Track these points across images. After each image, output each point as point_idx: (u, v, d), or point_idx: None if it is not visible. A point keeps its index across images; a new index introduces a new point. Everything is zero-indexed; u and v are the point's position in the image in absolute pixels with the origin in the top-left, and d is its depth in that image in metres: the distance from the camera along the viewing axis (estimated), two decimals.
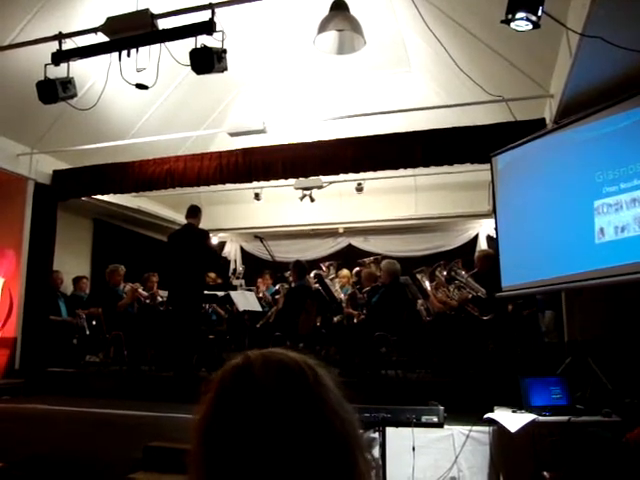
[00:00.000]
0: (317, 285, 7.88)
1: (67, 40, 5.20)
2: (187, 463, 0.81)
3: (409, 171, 7.69)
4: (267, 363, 0.84)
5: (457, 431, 4.32)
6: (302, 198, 9.76)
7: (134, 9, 5.14)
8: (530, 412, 4.10)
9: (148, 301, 8.01)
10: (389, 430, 3.90)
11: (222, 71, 4.92)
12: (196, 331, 6.63)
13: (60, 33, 5.19)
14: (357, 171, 7.12)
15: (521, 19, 3.74)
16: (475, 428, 4.30)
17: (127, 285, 7.87)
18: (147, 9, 4.89)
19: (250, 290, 8.78)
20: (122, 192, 8.20)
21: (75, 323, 7.88)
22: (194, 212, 6.83)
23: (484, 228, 10.49)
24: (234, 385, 0.82)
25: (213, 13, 4.71)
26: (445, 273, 6.96)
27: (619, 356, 4.73)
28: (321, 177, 8.70)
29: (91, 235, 10.43)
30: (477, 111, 7.08)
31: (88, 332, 7.68)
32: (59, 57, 5.12)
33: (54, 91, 5.29)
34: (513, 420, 4.00)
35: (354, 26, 5.25)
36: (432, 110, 7.24)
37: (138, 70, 5.07)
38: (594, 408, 4.09)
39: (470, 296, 6.44)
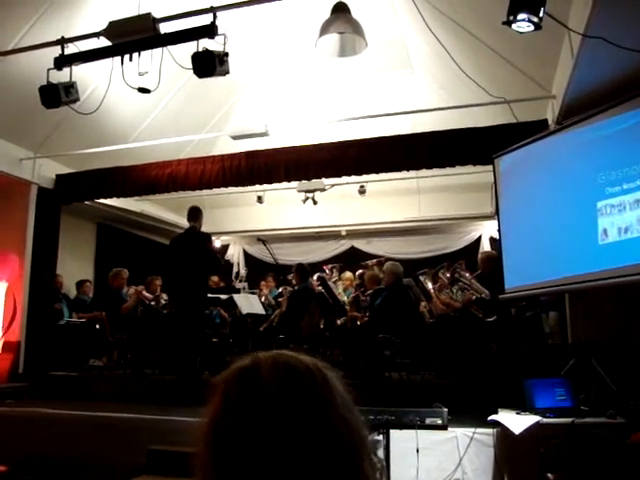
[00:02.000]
0: (320, 288, 7.88)
1: (69, 45, 5.20)
2: (193, 465, 0.81)
3: (412, 173, 7.70)
4: (275, 365, 0.83)
5: (461, 433, 4.31)
6: (305, 201, 9.76)
7: (136, 13, 5.15)
8: (534, 414, 4.09)
9: (153, 303, 8.01)
10: (393, 432, 3.90)
11: (224, 74, 4.92)
12: (200, 334, 6.63)
13: (62, 38, 5.20)
14: (360, 173, 7.12)
15: (523, 20, 3.74)
16: (479, 430, 4.29)
17: (131, 288, 7.88)
18: (149, 13, 4.90)
19: (253, 293, 8.79)
20: (125, 196, 8.20)
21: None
22: (195, 214, 6.80)
23: (487, 230, 10.48)
24: (241, 387, 0.82)
25: (215, 17, 4.72)
26: (448, 275, 6.95)
27: (623, 357, 4.72)
28: (324, 180, 8.71)
29: (94, 239, 10.46)
30: (479, 113, 7.07)
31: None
32: (61, 61, 5.13)
33: (57, 95, 5.30)
34: (517, 422, 4.00)
35: (355, 28, 5.26)
36: (434, 112, 7.24)
37: (140, 74, 5.07)
38: (598, 410, 4.08)
39: (474, 298, 6.44)
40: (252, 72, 8.59)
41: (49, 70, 5.20)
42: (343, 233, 11.45)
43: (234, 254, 12.31)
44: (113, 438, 4.87)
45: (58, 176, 7.98)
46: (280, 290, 9.06)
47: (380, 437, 3.84)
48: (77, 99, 5.49)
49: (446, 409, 3.96)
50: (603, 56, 4.09)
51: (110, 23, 4.97)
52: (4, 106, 6.60)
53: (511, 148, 5.57)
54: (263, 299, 8.89)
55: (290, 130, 8.27)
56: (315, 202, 9.74)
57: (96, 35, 5.07)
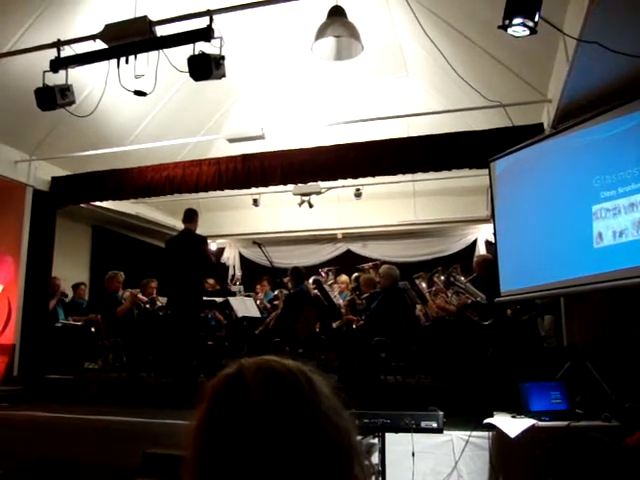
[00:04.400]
0: (316, 291, 7.87)
1: (65, 47, 5.21)
2: (181, 471, 0.81)
3: (408, 176, 7.71)
4: (260, 372, 0.83)
5: (456, 436, 4.31)
6: (301, 204, 9.77)
7: (132, 16, 5.16)
8: (529, 417, 4.09)
9: (148, 306, 8.00)
10: (388, 436, 3.89)
11: (220, 77, 4.93)
12: (195, 337, 6.61)
13: (58, 40, 5.20)
14: (356, 177, 7.13)
15: (518, 25, 3.75)
16: (474, 433, 4.29)
17: (126, 291, 7.87)
18: (145, 16, 4.90)
19: (249, 296, 8.77)
20: (121, 199, 8.20)
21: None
22: (190, 216, 6.77)
23: (483, 233, 10.51)
24: (227, 394, 0.82)
25: (211, 20, 4.72)
26: (443, 278, 6.96)
27: (618, 360, 4.73)
28: (319, 183, 8.71)
29: (90, 241, 10.44)
30: (475, 116, 7.10)
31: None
32: (57, 64, 5.12)
33: (52, 98, 5.29)
34: (512, 425, 4.00)
35: (351, 32, 5.26)
36: (430, 115, 7.25)
37: (136, 77, 5.08)
38: (593, 413, 4.09)
39: (469, 301, 6.44)
40: (248, 75, 8.60)
41: (45, 72, 5.19)
42: (339, 236, 11.46)
43: (230, 257, 12.31)
44: (108, 441, 4.85)
45: (54, 179, 7.97)
46: (276, 293, 9.04)
47: (375, 441, 3.83)
48: (73, 101, 5.49)
49: (442, 412, 3.95)
50: (598, 60, 4.11)
51: (106, 26, 4.97)
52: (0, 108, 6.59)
53: (507, 152, 5.58)
54: (258, 302, 8.88)
55: (286, 133, 8.29)
56: (311, 205, 9.75)
57: (92, 38, 5.07)
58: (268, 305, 9.01)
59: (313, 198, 9.68)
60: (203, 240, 6.86)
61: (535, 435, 3.97)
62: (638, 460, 3.24)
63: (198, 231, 6.92)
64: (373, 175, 6.99)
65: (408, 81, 8.84)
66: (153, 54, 5.02)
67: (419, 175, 7.48)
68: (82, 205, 8.44)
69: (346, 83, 8.85)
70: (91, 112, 5.73)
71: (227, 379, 0.85)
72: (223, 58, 4.81)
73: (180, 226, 7.27)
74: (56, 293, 8.29)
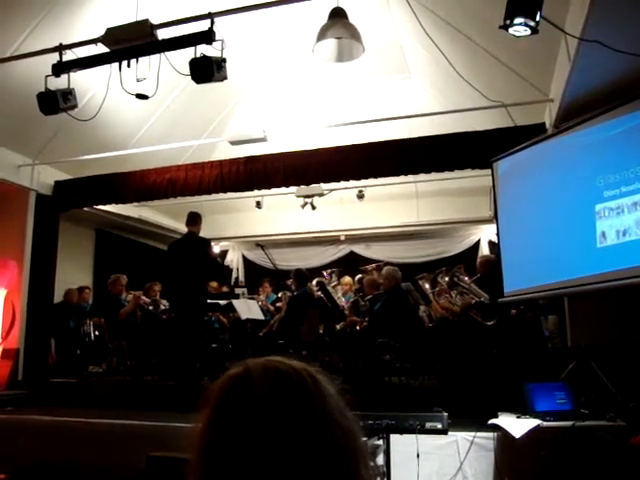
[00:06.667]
0: (319, 293, 7.87)
1: (67, 51, 5.21)
2: (186, 474, 0.81)
3: (410, 177, 7.71)
4: (266, 372, 0.83)
5: (461, 437, 4.30)
6: (303, 206, 9.77)
7: (134, 20, 5.17)
8: (534, 417, 4.08)
9: (151, 308, 7.99)
10: (393, 437, 3.89)
11: (222, 80, 4.93)
12: (199, 340, 6.61)
13: (60, 44, 5.21)
14: (358, 178, 7.13)
15: (519, 24, 3.75)
16: (479, 434, 4.28)
17: (129, 294, 7.87)
18: (147, 19, 4.91)
19: (252, 299, 8.77)
20: (124, 202, 8.21)
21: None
22: (194, 219, 6.77)
23: (486, 233, 10.49)
24: (233, 395, 0.82)
25: (212, 22, 4.73)
26: (447, 279, 6.95)
27: (623, 360, 4.71)
28: (322, 184, 8.71)
29: (93, 245, 10.45)
30: (477, 117, 7.09)
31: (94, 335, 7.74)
32: (60, 68, 5.14)
33: (55, 102, 5.30)
34: (517, 425, 3.99)
35: (353, 33, 5.26)
36: (432, 116, 7.25)
37: (138, 80, 5.08)
38: (598, 413, 4.08)
39: (473, 302, 6.43)
40: (250, 78, 8.61)
41: (47, 77, 5.20)
42: (342, 238, 11.44)
43: (233, 260, 12.31)
44: (112, 444, 4.85)
45: (57, 182, 7.98)
46: (279, 295, 9.05)
47: (380, 442, 3.83)
48: (75, 105, 5.50)
49: (446, 413, 3.95)
50: (599, 59, 4.10)
51: (108, 29, 4.98)
52: (2, 113, 6.60)
53: (509, 152, 5.57)
54: (260, 304, 8.87)
55: (288, 135, 8.29)
56: (314, 207, 9.75)
57: (94, 42, 5.09)
58: (271, 307, 9.01)
59: (316, 200, 9.68)
60: (206, 243, 6.86)
61: (540, 435, 3.96)
62: None
63: (201, 234, 6.92)
64: (375, 176, 6.99)
65: (410, 82, 8.84)
66: (155, 57, 5.03)
67: (421, 176, 7.47)
68: (85, 209, 8.44)
69: (348, 85, 8.85)
70: (93, 116, 5.74)
71: (233, 379, 0.84)
72: (224, 60, 4.82)
73: (183, 229, 7.27)
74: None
